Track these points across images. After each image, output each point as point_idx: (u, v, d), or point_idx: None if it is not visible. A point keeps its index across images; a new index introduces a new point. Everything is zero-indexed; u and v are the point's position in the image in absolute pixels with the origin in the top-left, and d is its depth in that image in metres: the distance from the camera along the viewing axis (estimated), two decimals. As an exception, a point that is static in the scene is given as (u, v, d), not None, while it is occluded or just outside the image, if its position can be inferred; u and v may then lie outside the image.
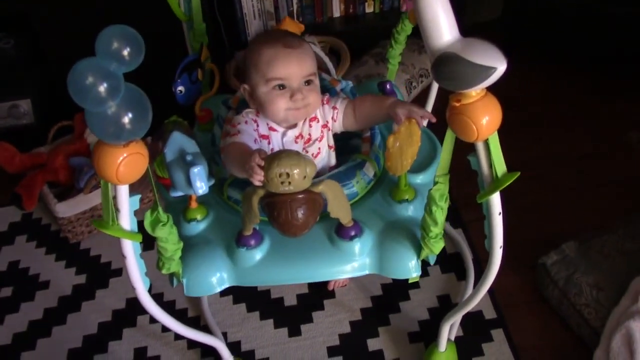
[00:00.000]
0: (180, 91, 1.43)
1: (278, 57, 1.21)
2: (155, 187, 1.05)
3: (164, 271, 1.13)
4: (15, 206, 2.00)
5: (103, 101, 0.82)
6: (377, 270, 1.16)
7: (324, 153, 1.32)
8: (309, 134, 1.29)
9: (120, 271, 1.96)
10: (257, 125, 1.26)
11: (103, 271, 1.98)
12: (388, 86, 1.52)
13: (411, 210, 1.23)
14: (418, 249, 1.15)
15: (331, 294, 1.80)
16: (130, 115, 0.85)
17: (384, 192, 1.27)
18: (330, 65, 1.76)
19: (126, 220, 1.01)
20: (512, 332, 1.65)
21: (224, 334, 1.72)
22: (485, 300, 1.74)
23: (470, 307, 1.27)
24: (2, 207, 2.23)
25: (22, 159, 2.04)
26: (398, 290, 1.79)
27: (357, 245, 1.14)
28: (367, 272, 1.16)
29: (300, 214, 0.99)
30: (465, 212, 2.00)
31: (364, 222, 1.18)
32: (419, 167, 1.32)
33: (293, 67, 1.21)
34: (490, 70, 0.81)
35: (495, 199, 0.99)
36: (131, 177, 0.92)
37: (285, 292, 1.82)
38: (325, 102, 1.31)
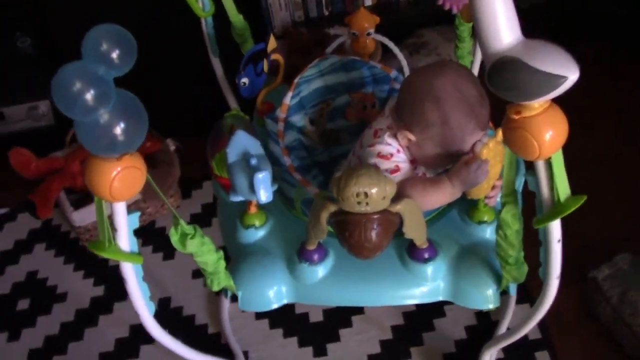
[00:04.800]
0: (244, 83, 1.35)
1: (471, 139, 1.08)
2: (167, 202, 1.01)
3: (214, 288, 1.08)
4: (30, 214, 1.94)
5: (92, 110, 0.76)
6: (450, 297, 1.11)
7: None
8: None
9: None
10: (402, 151, 1.14)
11: (121, 282, 1.85)
12: None
13: (490, 233, 1.17)
14: (497, 277, 1.09)
15: (360, 310, 1.70)
16: (123, 124, 0.79)
17: (460, 211, 1.21)
18: (400, 56, 1.71)
19: (125, 241, 0.95)
20: (558, 354, 1.54)
21: (245, 353, 1.64)
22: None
23: (514, 339, 1.19)
24: (22, 212, 2.18)
25: (37, 164, 1.96)
26: (432, 305, 1.62)
27: (430, 269, 1.10)
28: (440, 298, 1.12)
29: (374, 235, 0.94)
30: None
31: (438, 243, 1.13)
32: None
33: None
34: (559, 79, 0.71)
35: (555, 225, 0.91)
36: (127, 193, 0.86)
37: (311, 307, 1.73)
38: None
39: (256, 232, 1.21)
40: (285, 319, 1.71)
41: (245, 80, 1.34)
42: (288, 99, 1.32)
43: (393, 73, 1.36)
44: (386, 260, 1.10)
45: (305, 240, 1.09)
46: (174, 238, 0.99)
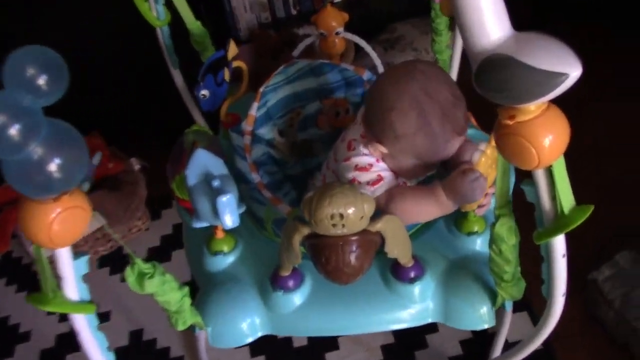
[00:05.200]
0: (204, 95, 1.26)
1: (448, 148, 1.03)
2: (117, 239, 0.95)
3: (179, 327, 1.00)
4: (-16, 248, 1.86)
5: (19, 146, 0.68)
6: (441, 319, 1.05)
7: None
8: None
9: (108, 315, 1.79)
10: (381, 161, 1.08)
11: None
12: None
13: (481, 245, 1.10)
14: (490, 294, 1.02)
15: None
16: (58, 160, 0.71)
17: (447, 222, 1.13)
18: (374, 55, 1.59)
19: (72, 289, 0.86)
20: (560, 361, 1.46)
21: (225, 385, 1.54)
22: (528, 325, 1.55)
23: (516, 360, 1.10)
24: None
25: (-8, 194, 1.88)
26: (424, 321, 1.58)
27: (417, 289, 1.03)
28: (429, 320, 1.05)
29: (353, 259, 0.88)
30: None
31: (425, 259, 1.06)
32: None
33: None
34: (559, 77, 0.63)
35: (559, 240, 0.84)
36: (69, 237, 0.78)
37: (293, 331, 1.61)
38: None
39: (225, 259, 1.13)
40: (267, 346, 1.62)
41: (205, 92, 1.26)
42: (254, 110, 1.24)
43: (366, 74, 1.27)
44: (368, 282, 1.03)
45: (279, 265, 1.01)
46: (130, 279, 0.90)
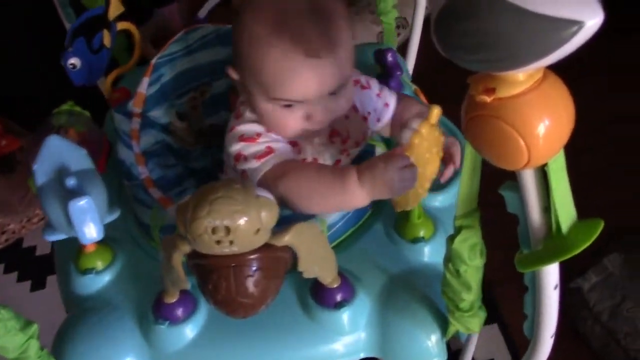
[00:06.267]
0: (73, 65, 1.09)
1: (294, 75, 0.86)
2: None
3: None
4: None
5: None
6: (377, 353, 0.91)
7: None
8: (347, 131, 0.99)
9: None
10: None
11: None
12: (390, 56, 1.20)
13: (428, 254, 0.95)
14: (441, 320, 0.88)
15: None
16: None
17: (386, 224, 0.99)
18: None
19: None
20: (536, 386, 1.33)
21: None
22: (498, 342, 1.42)
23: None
24: None
25: None
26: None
27: (346, 315, 0.88)
28: (361, 354, 0.92)
29: (251, 285, 0.73)
30: None
31: (356, 276, 0.91)
32: (436, 181, 1.01)
33: (316, 85, 0.87)
34: (568, 27, 0.45)
35: (551, 267, 0.69)
36: None
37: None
38: (365, 86, 1.01)
39: (97, 279, 0.96)
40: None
41: (74, 61, 1.08)
42: (144, 87, 1.10)
43: None
44: (282, 308, 0.89)
45: (163, 289, 0.87)
46: None
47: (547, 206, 0.62)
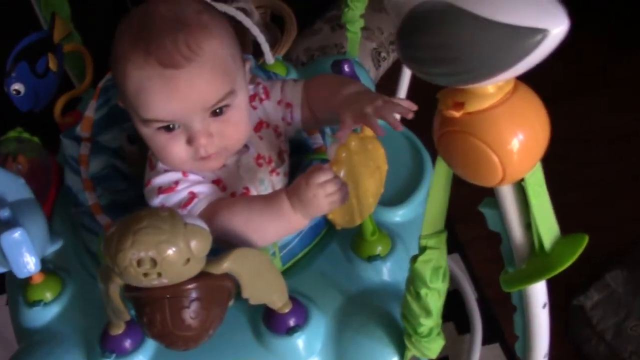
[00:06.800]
0: (17, 91, 1.05)
1: (151, 88, 0.79)
2: None
3: None
4: None
5: None
6: None
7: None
8: (267, 150, 0.94)
9: None
10: (190, 174, 0.89)
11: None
12: (346, 67, 1.15)
13: (387, 272, 0.90)
14: (400, 343, 0.83)
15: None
16: None
17: (343, 242, 0.94)
18: (262, 39, 1.31)
19: None
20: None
21: None
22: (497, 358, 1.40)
23: None
24: None
25: None
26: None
27: (300, 341, 0.84)
28: None
29: (188, 317, 0.68)
30: (463, 226, 1.54)
31: (310, 299, 0.88)
32: (397, 195, 1.00)
33: (181, 101, 0.80)
34: (533, 36, 0.44)
35: (538, 286, 0.66)
36: None
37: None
38: (263, 98, 0.95)
39: (45, 310, 0.93)
40: None
41: (18, 87, 1.05)
42: (91, 111, 1.05)
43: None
44: (234, 335, 0.86)
45: (108, 321, 0.83)
46: None
47: (528, 223, 0.60)
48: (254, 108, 0.94)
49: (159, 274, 0.64)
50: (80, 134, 1.03)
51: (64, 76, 1.16)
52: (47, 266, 0.93)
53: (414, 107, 0.78)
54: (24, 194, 0.85)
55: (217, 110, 0.82)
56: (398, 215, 0.97)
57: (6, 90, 1.05)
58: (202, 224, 0.67)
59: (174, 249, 0.63)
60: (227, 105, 0.83)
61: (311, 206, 0.76)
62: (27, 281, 0.92)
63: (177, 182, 0.85)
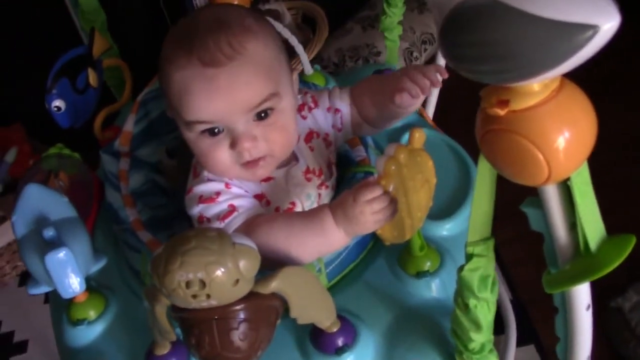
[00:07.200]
0: (57, 108, 1.04)
1: (193, 88, 0.78)
2: None
3: None
4: None
5: None
6: None
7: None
8: (317, 162, 0.92)
9: (25, 346, 1.66)
10: (236, 183, 0.87)
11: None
12: None
13: (436, 289, 0.86)
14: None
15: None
16: None
17: (389, 258, 0.90)
18: (300, 50, 1.29)
19: None
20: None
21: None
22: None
23: None
24: None
25: None
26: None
27: None
28: None
29: (236, 339, 0.66)
30: (496, 228, 1.51)
31: (359, 316, 0.83)
32: (444, 208, 0.96)
33: (222, 101, 0.78)
34: (583, 32, 0.42)
35: (582, 287, 0.64)
36: None
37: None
38: (312, 107, 0.93)
39: (89, 330, 0.90)
40: None
41: (59, 103, 1.03)
42: (130, 125, 1.03)
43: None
44: (281, 356, 0.81)
45: (153, 341, 0.80)
46: None
47: (573, 222, 0.57)
48: (304, 118, 0.91)
49: (208, 296, 0.63)
50: (119, 149, 1.02)
51: (103, 91, 1.15)
52: (90, 284, 0.91)
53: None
54: (68, 213, 0.83)
55: (262, 114, 0.81)
56: (445, 229, 0.94)
57: (47, 107, 1.04)
58: (250, 244, 0.65)
59: (222, 269, 0.62)
60: (271, 109, 0.81)
61: (357, 223, 0.74)
62: (70, 300, 0.90)
63: (218, 193, 0.83)
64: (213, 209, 0.82)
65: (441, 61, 1.33)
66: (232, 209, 0.81)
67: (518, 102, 0.48)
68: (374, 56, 2.06)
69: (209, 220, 0.82)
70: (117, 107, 1.17)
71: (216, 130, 0.80)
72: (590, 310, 0.66)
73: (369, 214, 0.71)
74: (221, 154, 0.81)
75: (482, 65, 0.45)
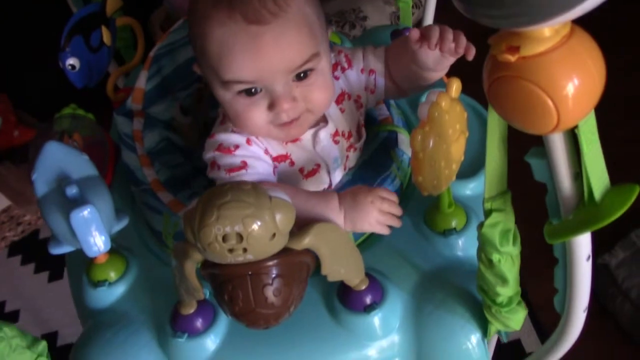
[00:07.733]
0: (72, 66, 1.03)
1: (235, 46, 0.75)
2: None
3: None
4: None
5: None
6: (412, 358, 0.83)
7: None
8: (347, 125, 0.90)
9: (17, 315, 1.67)
10: (258, 142, 0.86)
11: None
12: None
13: (462, 247, 0.85)
14: (481, 319, 0.79)
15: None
16: None
17: (414, 215, 0.89)
18: None
19: None
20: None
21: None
22: (531, 336, 1.40)
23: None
24: None
25: None
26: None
27: (377, 319, 0.79)
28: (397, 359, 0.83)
29: (270, 295, 0.66)
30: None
31: (385, 276, 0.83)
32: (468, 167, 0.93)
33: (265, 60, 0.76)
34: None
35: (583, 237, 0.64)
36: None
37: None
38: (346, 67, 0.91)
39: (110, 291, 0.89)
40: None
41: (73, 61, 1.02)
42: (142, 82, 1.02)
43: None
44: (309, 314, 0.81)
45: (178, 300, 0.79)
46: None
47: (578, 172, 0.58)
48: (336, 78, 0.89)
49: (245, 250, 0.61)
50: (131, 107, 1.00)
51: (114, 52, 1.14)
52: (110, 245, 0.89)
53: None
54: (89, 170, 0.81)
55: (302, 75, 0.79)
56: (469, 189, 0.92)
57: (61, 66, 1.02)
58: (286, 197, 0.64)
59: (260, 223, 0.60)
60: (311, 70, 0.79)
61: (360, 211, 0.75)
62: (90, 261, 0.89)
63: (237, 147, 0.82)
64: (226, 159, 0.81)
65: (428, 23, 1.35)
66: (244, 165, 0.80)
67: (528, 48, 0.47)
68: (360, 20, 2.05)
69: (218, 167, 0.82)
70: (130, 66, 1.16)
71: (253, 91, 0.78)
72: (590, 261, 0.66)
73: (377, 209, 0.74)
74: (259, 115, 0.79)
75: (494, 10, 0.44)
